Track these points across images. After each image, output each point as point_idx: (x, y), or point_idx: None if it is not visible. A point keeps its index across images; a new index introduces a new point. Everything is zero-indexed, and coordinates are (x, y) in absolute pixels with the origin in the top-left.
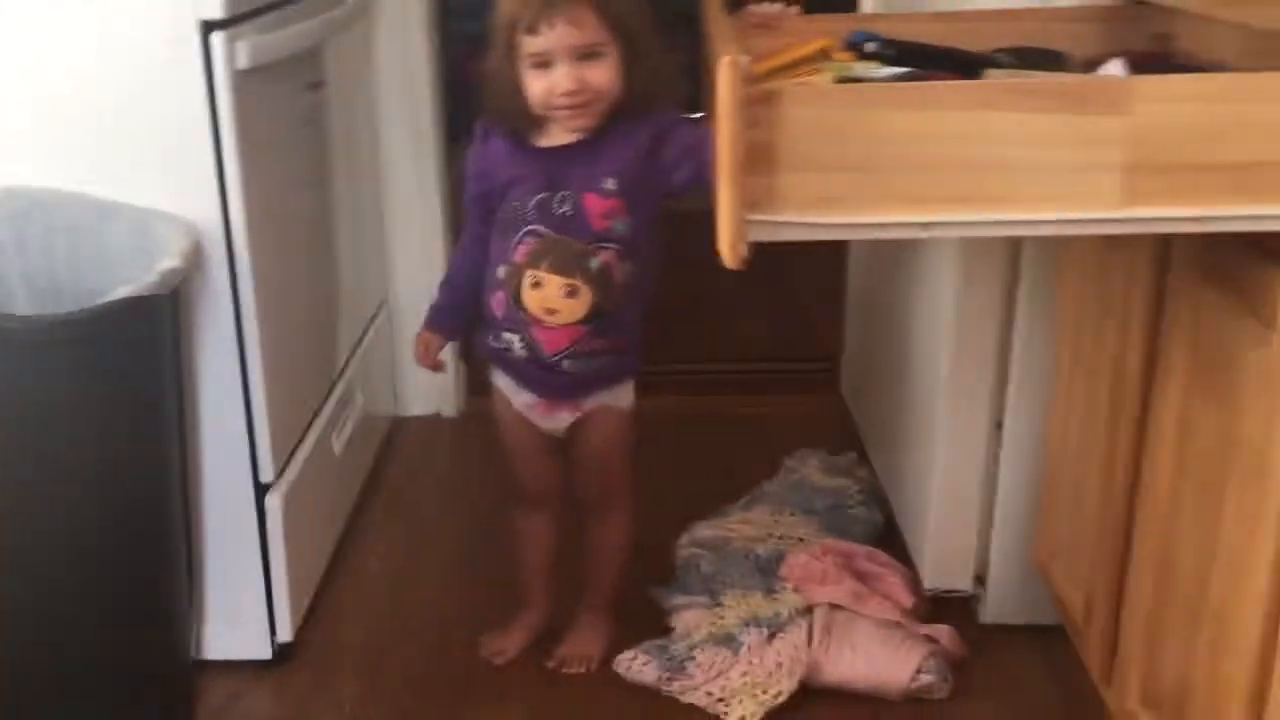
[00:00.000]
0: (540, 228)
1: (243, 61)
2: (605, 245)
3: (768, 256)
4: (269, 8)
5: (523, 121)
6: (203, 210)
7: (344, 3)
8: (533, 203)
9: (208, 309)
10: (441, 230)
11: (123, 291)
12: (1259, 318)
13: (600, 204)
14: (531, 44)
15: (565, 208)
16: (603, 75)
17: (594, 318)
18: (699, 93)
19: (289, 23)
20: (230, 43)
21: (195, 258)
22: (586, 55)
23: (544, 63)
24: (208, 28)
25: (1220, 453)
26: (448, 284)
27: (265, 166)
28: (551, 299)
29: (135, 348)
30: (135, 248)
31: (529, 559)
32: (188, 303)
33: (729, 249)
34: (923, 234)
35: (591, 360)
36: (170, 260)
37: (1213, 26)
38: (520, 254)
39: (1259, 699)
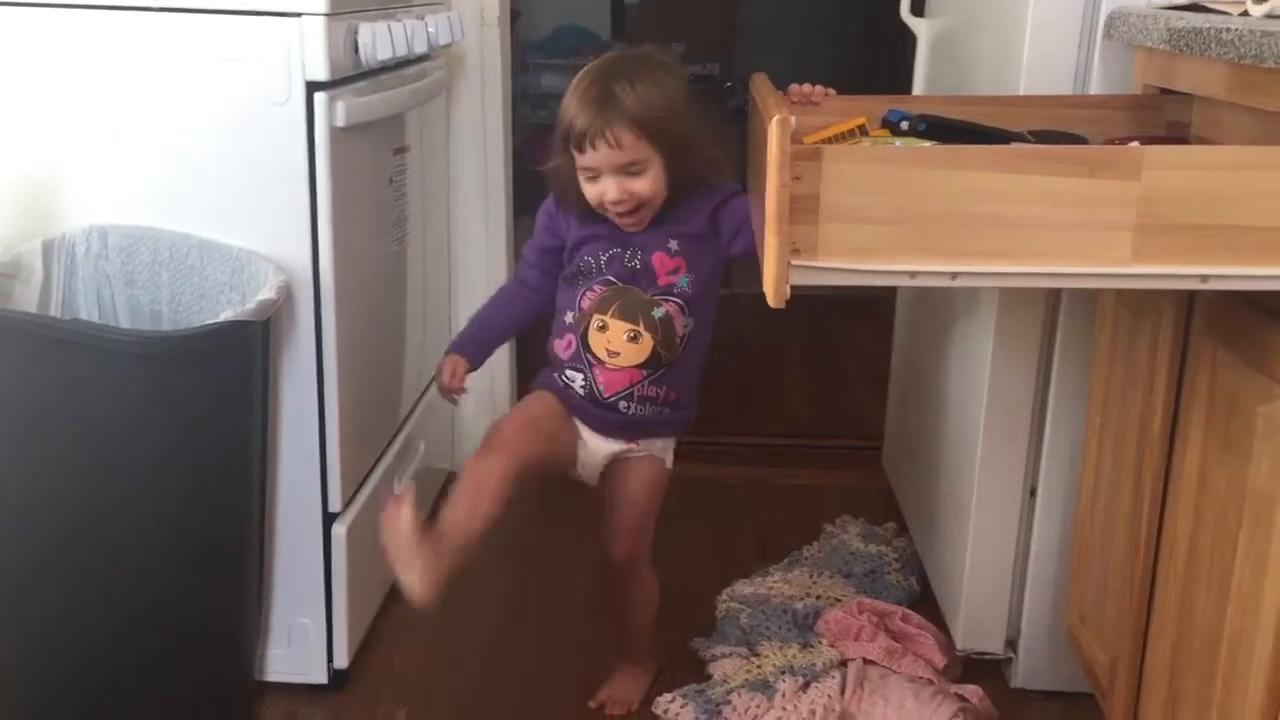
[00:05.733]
0: (611, 278)
1: (340, 120)
2: (669, 298)
3: (818, 339)
4: (363, 75)
5: (587, 211)
6: (294, 253)
7: (427, 76)
8: (605, 257)
9: (292, 344)
10: None
11: (223, 316)
12: (1265, 374)
13: (667, 262)
14: (580, 159)
15: (635, 263)
16: (645, 185)
17: (652, 364)
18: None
19: (380, 89)
20: (331, 102)
21: (286, 294)
22: (629, 171)
23: (593, 175)
24: (312, 88)
25: (1232, 502)
26: (483, 316)
27: (352, 218)
28: (615, 342)
29: (230, 369)
30: (231, 284)
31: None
32: (275, 336)
33: (773, 290)
34: (950, 283)
35: (645, 406)
36: (266, 292)
37: (1226, 112)
38: (588, 300)
39: None
